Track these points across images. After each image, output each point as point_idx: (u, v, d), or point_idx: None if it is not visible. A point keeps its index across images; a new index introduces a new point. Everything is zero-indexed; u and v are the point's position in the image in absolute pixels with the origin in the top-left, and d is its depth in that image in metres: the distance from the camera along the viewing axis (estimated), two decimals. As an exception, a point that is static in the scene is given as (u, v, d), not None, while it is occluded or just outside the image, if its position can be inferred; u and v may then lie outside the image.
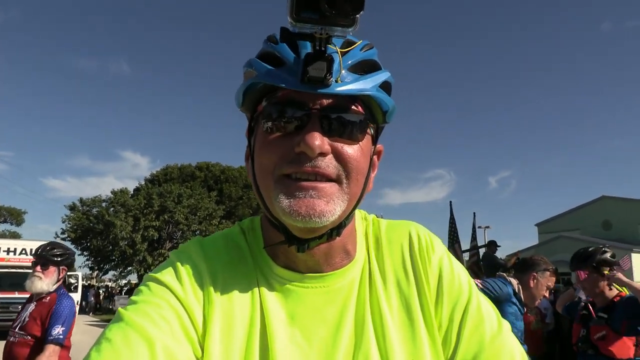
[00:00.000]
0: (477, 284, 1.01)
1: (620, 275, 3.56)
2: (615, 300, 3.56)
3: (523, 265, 3.66)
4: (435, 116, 71.40)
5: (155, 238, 35.54)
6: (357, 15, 0.67)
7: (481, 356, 0.84)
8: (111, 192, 36.90)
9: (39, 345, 3.49)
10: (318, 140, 0.75)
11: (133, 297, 0.80)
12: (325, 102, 0.78)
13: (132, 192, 38.73)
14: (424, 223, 1.00)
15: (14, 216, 57.99)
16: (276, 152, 0.78)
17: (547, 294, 3.77)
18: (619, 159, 67.72)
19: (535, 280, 3.50)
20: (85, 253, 36.68)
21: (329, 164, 0.77)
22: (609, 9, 69.43)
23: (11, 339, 3.60)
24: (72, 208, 36.21)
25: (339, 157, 0.78)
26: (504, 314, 2.47)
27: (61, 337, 3.49)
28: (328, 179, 0.77)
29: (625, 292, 3.65)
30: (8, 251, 19.32)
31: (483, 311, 0.89)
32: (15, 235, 52.09)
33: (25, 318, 3.63)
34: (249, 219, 0.98)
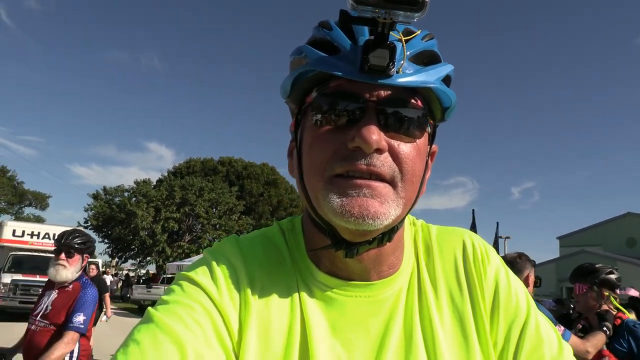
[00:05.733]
0: None
1: (601, 336, 3.19)
2: (617, 323, 3.31)
3: (513, 269, 3.50)
4: (460, 123, 70.63)
5: (175, 230, 35.98)
6: None
7: None
8: (134, 182, 37.60)
9: (61, 333, 3.45)
10: (375, 135, 0.67)
11: (164, 297, 0.74)
12: (383, 94, 0.70)
13: (154, 184, 39.34)
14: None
15: (39, 200, 59.12)
16: (327, 148, 0.71)
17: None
18: (648, 176, 66.08)
19: (529, 282, 3.47)
20: (106, 241, 37.37)
21: (384, 163, 0.69)
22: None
23: (32, 327, 3.56)
24: (96, 197, 36.90)
25: (395, 156, 0.71)
26: None
27: (82, 325, 3.45)
28: (382, 179, 0.70)
29: (626, 313, 3.42)
30: (32, 234, 19.65)
31: (542, 332, 0.81)
32: (39, 220, 53.24)
33: (47, 306, 3.58)
34: (288, 219, 0.91)
